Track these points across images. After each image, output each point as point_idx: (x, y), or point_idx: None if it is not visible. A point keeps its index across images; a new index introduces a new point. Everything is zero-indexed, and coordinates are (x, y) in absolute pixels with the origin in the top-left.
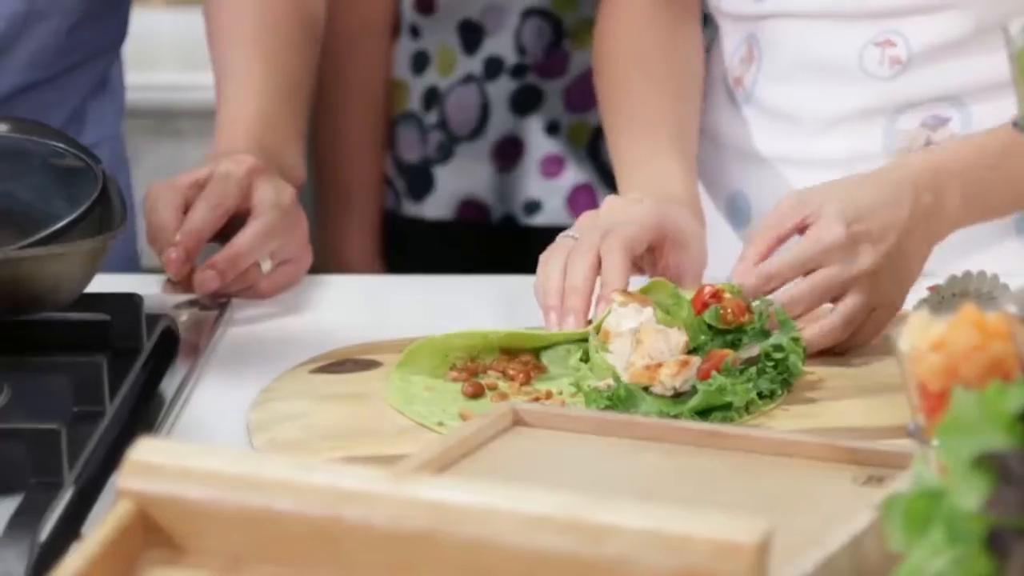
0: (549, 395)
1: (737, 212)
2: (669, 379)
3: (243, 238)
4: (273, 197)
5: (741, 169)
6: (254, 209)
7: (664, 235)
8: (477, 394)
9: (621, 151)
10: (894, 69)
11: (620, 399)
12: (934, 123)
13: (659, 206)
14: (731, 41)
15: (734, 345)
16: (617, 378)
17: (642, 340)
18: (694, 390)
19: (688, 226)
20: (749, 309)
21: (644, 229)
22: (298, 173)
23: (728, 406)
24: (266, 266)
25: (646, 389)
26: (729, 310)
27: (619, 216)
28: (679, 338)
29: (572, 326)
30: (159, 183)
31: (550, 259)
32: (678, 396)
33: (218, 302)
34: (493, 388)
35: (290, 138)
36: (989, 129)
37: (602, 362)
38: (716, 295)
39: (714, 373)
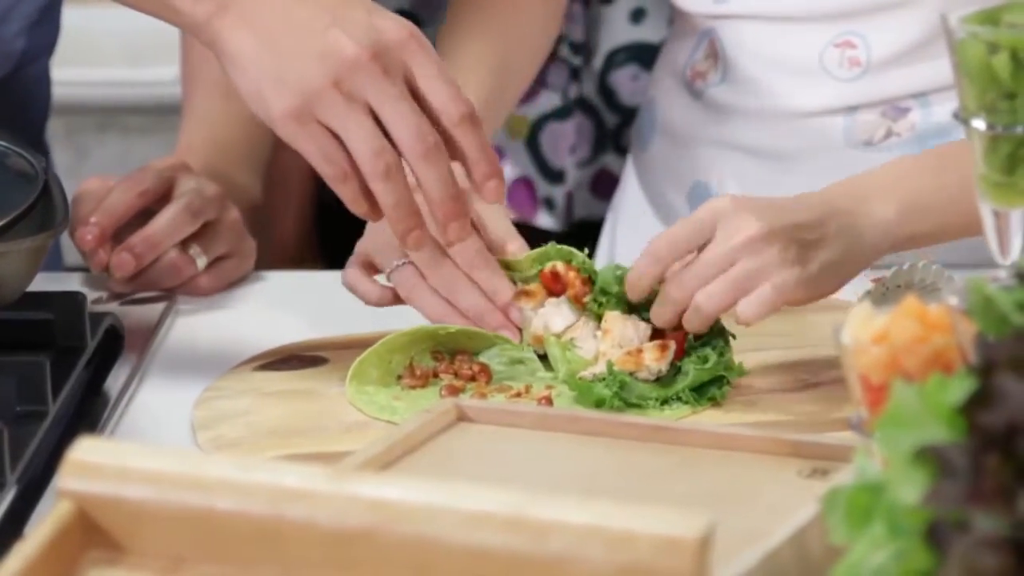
0: (528, 389)
1: (698, 200)
2: (655, 363)
3: (159, 219)
4: (194, 186)
5: (701, 159)
6: (173, 197)
7: None
8: (455, 395)
9: None
10: (854, 71)
11: (623, 386)
12: (895, 114)
13: None
14: (689, 36)
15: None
16: (611, 366)
17: (610, 329)
18: (673, 372)
19: None
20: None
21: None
22: (251, 195)
23: (722, 380)
24: (200, 262)
25: (630, 375)
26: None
27: None
28: (644, 324)
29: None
30: (89, 181)
31: (413, 291)
32: (658, 380)
33: (162, 299)
34: (463, 389)
35: (243, 162)
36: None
37: (575, 358)
38: (556, 276)
39: (706, 350)
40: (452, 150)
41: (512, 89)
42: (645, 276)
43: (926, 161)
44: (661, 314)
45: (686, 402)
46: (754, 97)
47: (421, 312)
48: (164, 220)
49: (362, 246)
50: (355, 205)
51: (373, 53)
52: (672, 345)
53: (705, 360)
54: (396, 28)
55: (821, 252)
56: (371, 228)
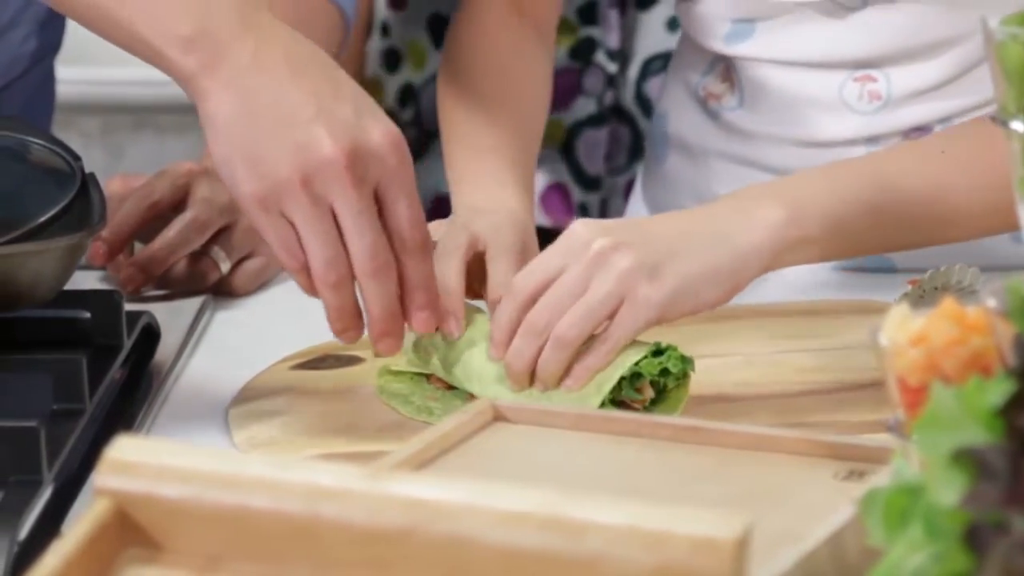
0: None
1: None
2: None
3: (166, 234)
4: (207, 194)
5: (721, 173)
6: (188, 205)
7: (525, 244)
8: None
9: (459, 166)
10: (874, 104)
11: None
12: (917, 135)
13: (514, 215)
14: (702, 58)
15: None
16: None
17: None
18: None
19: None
20: None
21: (516, 233)
22: None
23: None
24: (224, 265)
25: None
26: None
27: (481, 220)
28: None
29: (454, 328)
30: (112, 181)
31: None
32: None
33: (198, 298)
34: None
35: None
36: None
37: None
38: None
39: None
40: (399, 271)
41: (536, 144)
42: (507, 318)
43: (828, 168)
44: (522, 348)
45: (671, 403)
46: (775, 126)
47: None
48: (171, 235)
49: None
50: (307, 292)
51: (349, 159)
52: (647, 388)
53: (658, 351)
54: (381, 135)
55: (680, 264)
56: None
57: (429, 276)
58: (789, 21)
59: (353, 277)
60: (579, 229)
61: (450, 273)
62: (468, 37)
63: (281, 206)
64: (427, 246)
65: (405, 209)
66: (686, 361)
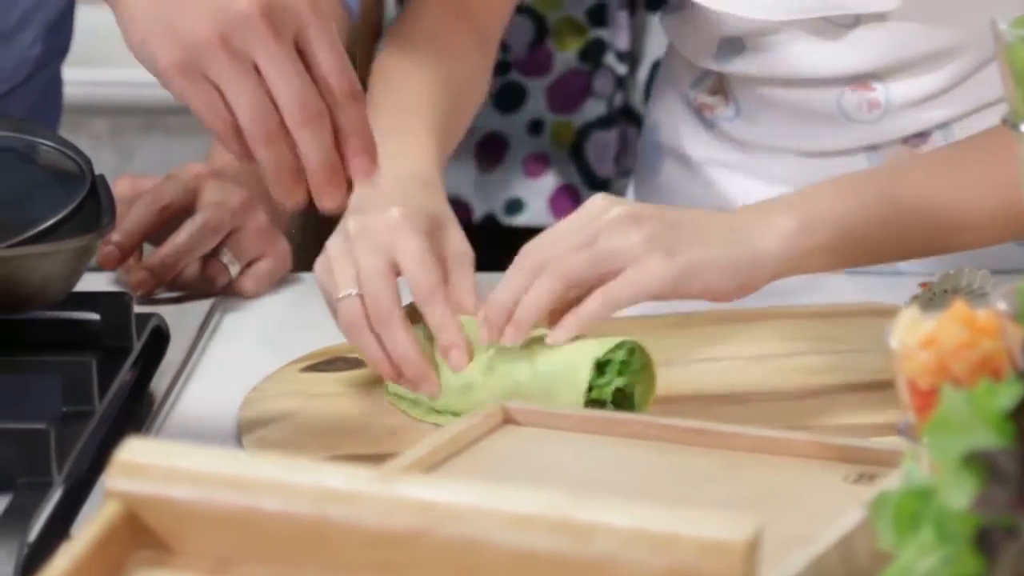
0: None
1: None
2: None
3: (176, 238)
4: (217, 197)
5: (720, 183)
6: (197, 208)
7: (436, 223)
8: None
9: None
10: (874, 113)
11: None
12: (917, 141)
13: (413, 204)
14: (691, 71)
15: None
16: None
17: None
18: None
19: (443, 207)
20: None
21: (423, 228)
22: None
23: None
24: (233, 268)
25: None
26: None
27: (383, 234)
28: None
29: (429, 389)
30: (121, 182)
31: (351, 324)
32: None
33: (208, 300)
34: None
35: None
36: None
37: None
38: None
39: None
40: (332, 121)
41: (460, 122)
42: (513, 284)
43: (838, 180)
44: (511, 279)
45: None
46: (773, 137)
47: (360, 351)
48: (181, 239)
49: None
50: (243, 160)
51: (265, 10)
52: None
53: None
54: None
55: (696, 247)
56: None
57: (363, 121)
58: (779, 40)
59: (286, 133)
60: (598, 200)
61: (400, 342)
62: (407, 31)
63: (203, 69)
64: (357, 92)
65: (329, 58)
66: (633, 353)
